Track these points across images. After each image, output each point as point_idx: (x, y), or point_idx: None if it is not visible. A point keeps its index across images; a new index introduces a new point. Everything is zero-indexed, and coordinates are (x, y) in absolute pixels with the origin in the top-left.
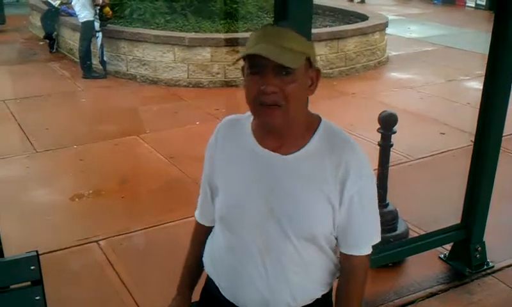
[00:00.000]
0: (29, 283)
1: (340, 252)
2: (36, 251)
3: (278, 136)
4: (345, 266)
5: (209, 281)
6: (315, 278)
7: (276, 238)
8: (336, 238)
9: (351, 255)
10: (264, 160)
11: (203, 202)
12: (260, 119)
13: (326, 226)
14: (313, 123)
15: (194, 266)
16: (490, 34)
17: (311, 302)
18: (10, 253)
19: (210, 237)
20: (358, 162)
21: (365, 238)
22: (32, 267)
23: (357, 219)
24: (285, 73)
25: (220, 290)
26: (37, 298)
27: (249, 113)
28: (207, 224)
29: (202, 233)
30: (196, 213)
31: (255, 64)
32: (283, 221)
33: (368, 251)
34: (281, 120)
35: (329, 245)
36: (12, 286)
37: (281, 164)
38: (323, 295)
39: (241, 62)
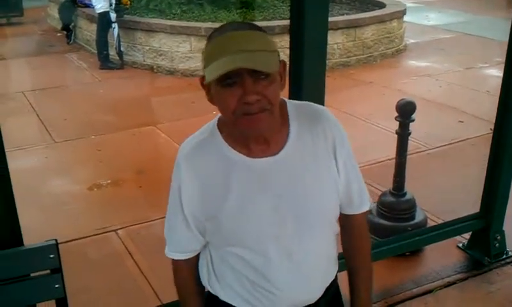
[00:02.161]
0: (48, 271)
1: (345, 215)
2: (55, 240)
3: (262, 140)
4: (351, 226)
5: (213, 298)
6: (332, 257)
7: (298, 240)
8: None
9: (357, 214)
10: (260, 170)
11: (186, 234)
12: (245, 129)
13: (336, 201)
14: (283, 110)
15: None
16: (509, 20)
17: (329, 283)
18: (29, 242)
19: (205, 264)
20: (335, 126)
21: (365, 192)
22: (51, 255)
23: (354, 179)
24: (263, 76)
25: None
26: (56, 286)
27: (210, 128)
28: (192, 255)
29: (190, 270)
30: (176, 253)
31: (229, 76)
32: (302, 222)
33: (368, 204)
34: (268, 124)
35: (335, 218)
36: (32, 274)
37: (277, 166)
38: (335, 276)
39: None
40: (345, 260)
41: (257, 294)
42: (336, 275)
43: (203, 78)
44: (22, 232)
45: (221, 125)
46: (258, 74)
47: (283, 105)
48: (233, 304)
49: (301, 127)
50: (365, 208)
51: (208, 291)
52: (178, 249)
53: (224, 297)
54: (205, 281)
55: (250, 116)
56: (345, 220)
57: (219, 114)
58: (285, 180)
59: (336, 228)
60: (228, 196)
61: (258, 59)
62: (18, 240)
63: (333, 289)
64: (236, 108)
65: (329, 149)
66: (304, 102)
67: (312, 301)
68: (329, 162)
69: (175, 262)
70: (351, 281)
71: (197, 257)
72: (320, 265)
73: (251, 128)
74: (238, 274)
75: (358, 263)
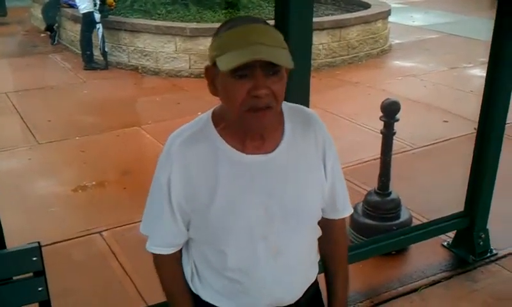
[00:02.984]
0: (31, 274)
1: (326, 219)
2: (38, 242)
3: (258, 136)
4: (332, 230)
5: (195, 298)
6: (313, 259)
7: (285, 238)
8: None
9: (339, 219)
10: (252, 167)
11: (171, 228)
12: (249, 124)
13: (320, 204)
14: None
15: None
16: (493, 21)
17: (309, 285)
18: (12, 245)
19: (189, 263)
20: (324, 130)
21: (347, 198)
22: (34, 258)
23: (339, 184)
24: (273, 72)
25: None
26: (40, 289)
27: (203, 121)
28: (175, 250)
29: (175, 266)
30: (160, 247)
31: (241, 68)
32: (289, 220)
33: (351, 208)
34: (271, 121)
35: (318, 220)
36: (15, 278)
37: (270, 164)
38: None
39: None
40: (323, 263)
41: (239, 293)
42: (316, 276)
43: (208, 68)
44: (5, 235)
45: (216, 118)
46: (269, 70)
47: None
48: (214, 304)
49: (295, 129)
50: (347, 214)
51: (192, 291)
52: (162, 243)
53: (205, 297)
54: (188, 280)
55: (256, 111)
56: (326, 224)
57: (213, 108)
58: (276, 179)
59: (319, 231)
60: (218, 190)
61: (276, 54)
62: (1, 243)
63: (312, 289)
64: (244, 100)
65: (319, 153)
66: (295, 105)
67: (293, 301)
68: (318, 165)
69: (158, 258)
70: (329, 283)
71: (180, 252)
72: (304, 266)
73: (255, 123)
74: (219, 274)
75: (336, 265)
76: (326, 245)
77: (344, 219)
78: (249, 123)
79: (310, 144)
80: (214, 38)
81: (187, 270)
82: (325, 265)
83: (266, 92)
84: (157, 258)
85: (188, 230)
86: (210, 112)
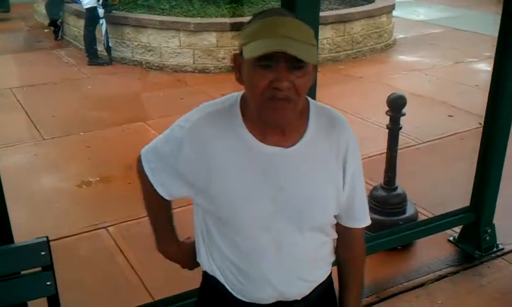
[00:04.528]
0: (39, 268)
1: (343, 226)
2: (47, 237)
3: (279, 130)
4: (348, 238)
5: (209, 278)
6: (323, 261)
7: (288, 235)
8: (335, 216)
9: (356, 227)
10: (268, 159)
11: (165, 172)
12: (266, 115)
13: (333, 212)
14: (305, 107)
15: (172, 223)
16: (498, 15)
17: (318, 284)
18: (19, 239)
19: (201, 240)
20: (351, 136)
21: (366, 209)
22: (42, 253)
23: (359, 193)
24: (298, 67)
25: (227, 288)
26: (48, 283)
27: (232, 100)
28: (159, 192)
29: (168, 204)
30: (160, 188)
31: (267, 57)
32: (295, 218)
33: (369, 219)
34: (291, 115)
35: (331, 226)
36: (23, 272)
37: (286, 158)
38: (328, 276)
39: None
40: (338, 270)
41: (244, 281)
42: (330, 275)
43: (236, 55)
44: (12, 229)
45: (243, 103)
46: (294, 64)
47: (305, 103)
48: (227, 288)
49: (318, 129)
50: (365, 224)
51: (205, 271)
52: (161, 183)
53: (220, 278)
54: (205, 262)
55: (275, 102)
56: (343, 231)
57: (243, 91)
58: (290, 174)
59: (333, 234)
60: (230, 173)
61: (301, 49)
62: (9, 237)
63: (323, 286)
64: (265, 90)
65: (340, 159)
66: (325, 106)
67: (299, 297)
68: (336, 171)
69: (145, 177)
70: (342, 295)
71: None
72: (311, 266)
73: (272, 114)
74: (226, 259)
75: (351, 277)
76: (342, 251)
77: (362, 228)
78: (266, 113)
79: (332, 147)
80: (245, 27)
81: (200, 248)
82: (340, 274)
83: (288, 85)
84: (143, 174)
85: (183, 192)
86: (240, 93)
